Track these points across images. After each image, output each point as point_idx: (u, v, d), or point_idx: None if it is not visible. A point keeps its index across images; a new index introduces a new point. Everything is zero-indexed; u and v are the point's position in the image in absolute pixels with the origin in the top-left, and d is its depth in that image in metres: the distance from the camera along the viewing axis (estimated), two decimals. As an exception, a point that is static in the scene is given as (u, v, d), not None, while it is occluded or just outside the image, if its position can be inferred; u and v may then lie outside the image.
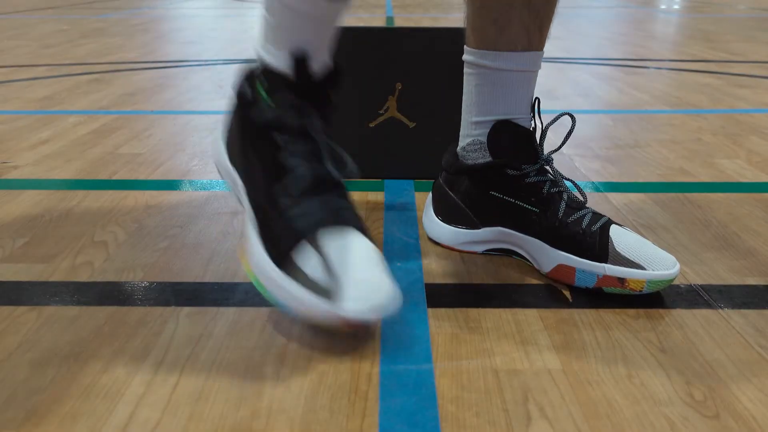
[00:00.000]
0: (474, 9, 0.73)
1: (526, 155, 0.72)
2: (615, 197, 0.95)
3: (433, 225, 0.80)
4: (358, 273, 0.56)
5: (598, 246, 0.67)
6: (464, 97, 0.76)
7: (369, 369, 0.55)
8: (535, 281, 0.71)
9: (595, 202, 0.93)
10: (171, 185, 0.99)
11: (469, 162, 0.76)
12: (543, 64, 0.74)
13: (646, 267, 0.65)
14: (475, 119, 0.75)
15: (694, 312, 0.64)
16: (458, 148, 0.78)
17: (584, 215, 0.69)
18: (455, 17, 3.56)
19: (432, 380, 0.54)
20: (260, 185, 0.63)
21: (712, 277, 0.72)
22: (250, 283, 0.70)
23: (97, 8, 4.14)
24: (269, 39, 0.63)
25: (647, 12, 4.03)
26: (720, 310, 0.65)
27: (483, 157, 0.74)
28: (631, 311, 0.64)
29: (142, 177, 1.03)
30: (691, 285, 0.70)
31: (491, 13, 0.71)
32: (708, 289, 0.69)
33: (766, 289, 0.69)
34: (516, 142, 0.72)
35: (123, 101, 1.56)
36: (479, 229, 0.76)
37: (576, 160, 1.12)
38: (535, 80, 0.74)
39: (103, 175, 1.03)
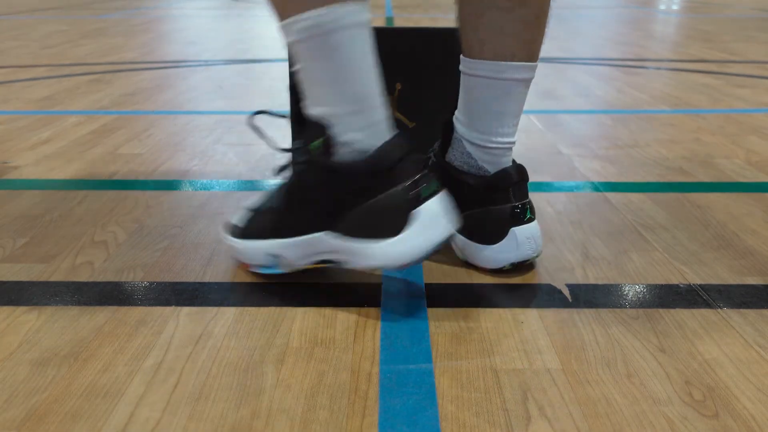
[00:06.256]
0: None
1: None
2: (614, 197, 0.95)
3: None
4: None
5: None
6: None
7: (369, 369, 0.55)
8: (535, 281, 0.71)
9: (595, 202, 0.93)
10: (171, 185, 0.99)
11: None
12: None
13: None
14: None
15: (694, 312, 0.65)
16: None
17: None
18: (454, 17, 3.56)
19: (432, 380, 0.54)
20: None
21: (712, 276, 0.72)
22: (250, 283, 0.70)
23: (97, 8, 4.14)
24: None
25: (646, 12, 4.04)
26: (719, 310, 0.65)
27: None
28: (631, 311, 0.65)
29: (142, 177, 1.03)
30: (690, 285, 0.70)
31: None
32: (707, 288, 0.69)
33: (765, 288, 0.69)
34: None
35: (123, 101, 1.56)
36: None
37: (575, 160, 1.12)
38: None
39: (103, 175, 1.03)
